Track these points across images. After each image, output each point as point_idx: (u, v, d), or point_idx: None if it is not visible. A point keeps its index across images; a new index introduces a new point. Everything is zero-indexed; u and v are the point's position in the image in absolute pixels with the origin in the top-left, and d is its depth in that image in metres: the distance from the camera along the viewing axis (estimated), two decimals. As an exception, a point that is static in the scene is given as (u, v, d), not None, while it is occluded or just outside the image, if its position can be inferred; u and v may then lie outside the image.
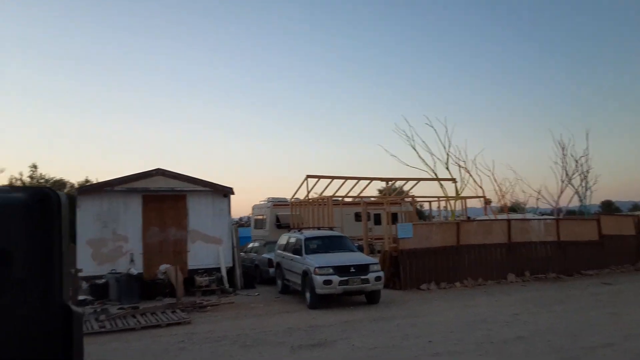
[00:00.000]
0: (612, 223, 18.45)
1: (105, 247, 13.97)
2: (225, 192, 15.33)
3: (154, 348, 8.26)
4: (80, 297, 12.15)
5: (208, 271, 14.46)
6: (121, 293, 12.70)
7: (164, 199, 14.72)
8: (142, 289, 13.17)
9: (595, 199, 21.11)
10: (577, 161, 20.39)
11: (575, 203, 21.74)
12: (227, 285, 14.32)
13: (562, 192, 20.36)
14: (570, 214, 22.53)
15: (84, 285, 13.11)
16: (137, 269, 13.65)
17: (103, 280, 13.23)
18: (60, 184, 29.10)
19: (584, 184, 20.43)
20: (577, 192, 20.44)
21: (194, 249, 14.73)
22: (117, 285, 12.85)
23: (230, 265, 15.04)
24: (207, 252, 14.81)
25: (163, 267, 13.70)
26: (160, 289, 13.40)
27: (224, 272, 14.54)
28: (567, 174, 20.37)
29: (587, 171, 20.51)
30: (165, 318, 10.33)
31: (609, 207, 46.33)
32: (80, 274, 12.28)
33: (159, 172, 14.79)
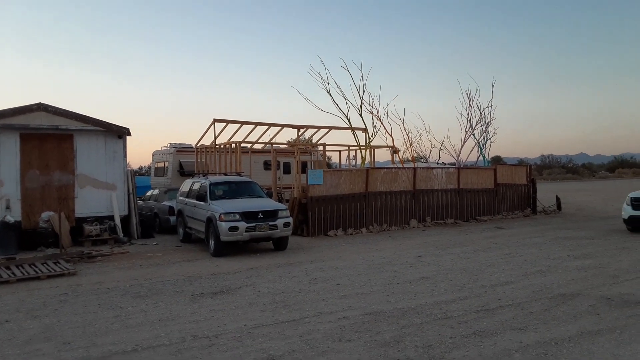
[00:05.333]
0: (507, 172, 19.67)
1: (-26, 193, 12.16)
2: (120, 133, 13.82)
3: (30, 301, 7.25)
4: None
5: (99, 219, 13.17)
6: (-6, 243, 11.18)
7: (46, 138, 12.95)
8: (20, 238, 11.72)
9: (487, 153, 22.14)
10: (481, 112, 21.17)
11: (473, 158, 22.83)
12: (121, 234, 13.17)
13: (464, 142, 21.15)
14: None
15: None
16: (14, 216, 12.02)
17: (-28, 230, 11.58)
18: None
19: (485, 135, 21.35)
20: (478, 143, 21.33)
21: (82, 195, 13.24)
22: (-10, 235, 11.27)
23: (126, 213, 13.82)
24: (98, 199, 13.40)
25: (45, 214, 12.20)
26: (42, 239, 12.02)
27: (117, 221, 13.32)
28: (470, 125, 21.11)
29: (490, 122, 21.41)
30: (46, 269, 9.17)
31: (497, 163, 49.61)
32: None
33: (41, 108, 12.88)
